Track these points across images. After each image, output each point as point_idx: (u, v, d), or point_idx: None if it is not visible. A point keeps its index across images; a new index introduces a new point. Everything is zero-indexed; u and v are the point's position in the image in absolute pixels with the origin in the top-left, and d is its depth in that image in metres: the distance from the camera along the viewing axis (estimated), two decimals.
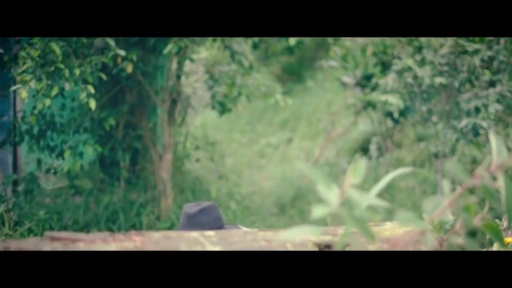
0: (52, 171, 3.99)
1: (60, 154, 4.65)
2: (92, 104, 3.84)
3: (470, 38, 4.86)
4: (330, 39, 6.18)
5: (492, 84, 4.96)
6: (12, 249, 1.26)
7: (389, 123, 6.43)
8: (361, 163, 1.04)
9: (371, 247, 1.35)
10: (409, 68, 5.04)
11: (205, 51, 5.46)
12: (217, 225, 2.41)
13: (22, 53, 3.77)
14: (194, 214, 2.38)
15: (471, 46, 4.80)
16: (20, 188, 4.75)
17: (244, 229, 2.52)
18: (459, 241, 1.16)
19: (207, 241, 1.43)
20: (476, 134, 4.64)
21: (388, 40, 5.77)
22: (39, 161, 4.92)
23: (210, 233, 1.49)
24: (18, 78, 3.74)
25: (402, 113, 5.56)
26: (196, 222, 2.34)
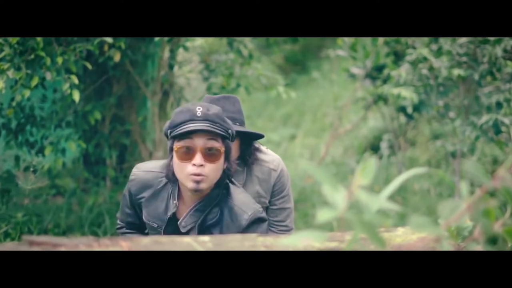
0: (32, 169, 3.98)
1: (40, 151, 4.65)
2: (76, 96, 3.84)
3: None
4: None
5: None
6: None
7: (402, 119, 6.43)
8: (371, 163, 1.04)
9: None
10: (425, 59, 5.03)
11: (201, 38, 5.46)
12: (240, 119, 2.39)
13: None
14: (217, 98, 2.38)
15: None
16: None
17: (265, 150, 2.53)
18: (478, 249, 1.16)
19: (201, 246, 1.43)
20: (498, 131, 4.64)
21: None
22: (17, 158, 4.92)
23: (205, 238, 1.50)
24: None
25: (417, 108, 5.56)
26: (220, 106, 2.31)
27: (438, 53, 5.06)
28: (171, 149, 2.15)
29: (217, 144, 2.11)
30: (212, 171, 2.11)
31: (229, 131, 2.16)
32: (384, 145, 6.98)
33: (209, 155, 2.10)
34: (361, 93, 6.31)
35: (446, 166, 6.40)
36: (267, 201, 2.55)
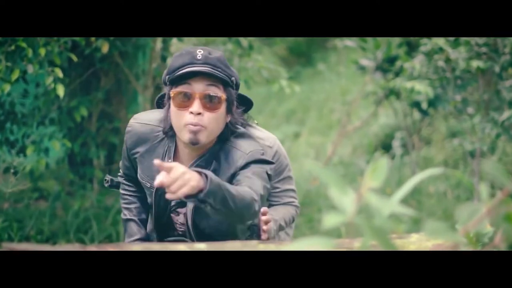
0: (12, 170, 3.98)
1: (22, 151, 4.65)
2: (60, 90, 3.84)
3: None
4: None
5: None
6: None
7: (416, 115, 6.43)
8: (382, 163, 1.04)
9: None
10: (441, 49, 5.03)
11: None
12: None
13: None
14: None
15: None
16: None
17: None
18: None
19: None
20: None
21: None
22: None
23: (201, 245, 1.50)
24: None
25: (432, 103, 5.55)
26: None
27: (455, 43, 5.05)
28: (169, 97, 2.13)
29: (218, 91, 2.09)
30: (211, 121, 2.07)
31: (232, 78, 2.14)
32: (396, 144, 6.97)
33: (209, 102, 2.07)
34: (371, 87, 6.31)
35: (464, 166, 6.40)
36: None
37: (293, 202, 2.59)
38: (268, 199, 2.54)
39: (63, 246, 1.39)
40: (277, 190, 2.52)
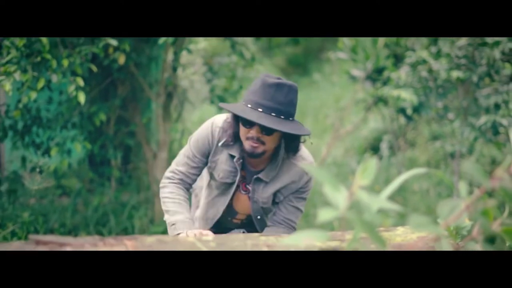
0: (38, 169, 3.99)
1: (47, 152, 4.65)
2: (81, 97, 3.84)
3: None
4: None
5: None
6: None
7: (402, 120, 6.43)
8: (371, 163, 1.04)
9: None
10: (424, 61, 5.03)
11: (204, 41, 5.45)
12: (287, 111, 2.28)
13: (6, 42, 3.77)
14: (270, 84, 2.25)
15: (491, 38, 4.79)
16: (3, 188, 4.75)
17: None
18: (476, 248, 1.16)
19: (204, 246, 1.44)
20: (496, 132, 4.63)
21: None
22: (23, 159, 4.92)
23: (208, 237, 1.50)
24: (1, 69, 3.75)
25: (416, 109, 5.55)
26: (270, 94, 2.24)
27: (437, 55, 5.05)
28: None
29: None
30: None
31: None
32: (384, 146, 6.97)
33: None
34: (361, 94, 6.31)
35: (445, 166, 6.40)
36: (282, 197, 2.48)
37: (295, 221, 2.54)
38: (276, 206, 2.53)
39: (83, 238, 1.39)
40: (291, 204, 2.48)
